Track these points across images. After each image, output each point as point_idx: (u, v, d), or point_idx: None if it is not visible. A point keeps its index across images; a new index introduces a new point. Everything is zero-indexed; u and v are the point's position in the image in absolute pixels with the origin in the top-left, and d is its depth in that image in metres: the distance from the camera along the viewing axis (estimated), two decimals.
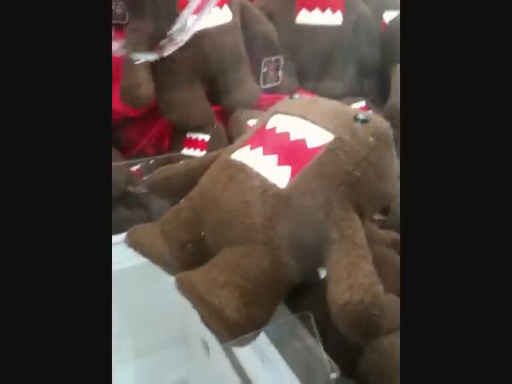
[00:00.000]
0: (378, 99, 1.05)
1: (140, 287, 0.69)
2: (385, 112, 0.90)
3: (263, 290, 0.39)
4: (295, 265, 0.41)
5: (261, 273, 0.39)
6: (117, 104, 0.79)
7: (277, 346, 0.46)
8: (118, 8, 0.93)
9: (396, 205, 0.50)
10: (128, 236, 0.48)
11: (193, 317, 0.72)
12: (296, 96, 0.56)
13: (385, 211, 0.55)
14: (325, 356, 0.39)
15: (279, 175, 0.43)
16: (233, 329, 0.36)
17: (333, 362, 0.38)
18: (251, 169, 0.44)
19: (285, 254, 0.40)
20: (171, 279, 0.62)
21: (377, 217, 0.56)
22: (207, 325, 0.39)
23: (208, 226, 0.45)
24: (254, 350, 0.50)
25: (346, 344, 0.41)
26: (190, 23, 0.70)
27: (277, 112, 0.52)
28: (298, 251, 0.41)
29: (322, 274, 0.49)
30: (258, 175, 0.43)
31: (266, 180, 0.43)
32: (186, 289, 0.39)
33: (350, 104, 0.98)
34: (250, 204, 0.42)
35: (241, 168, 0.45)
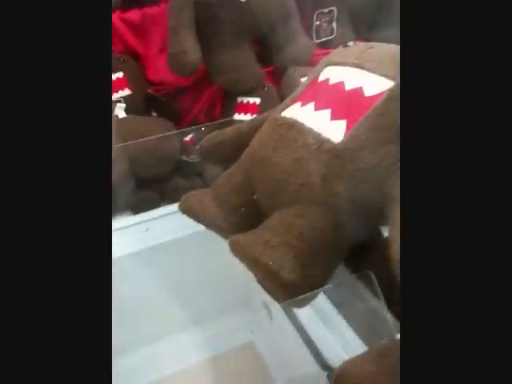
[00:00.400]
0: None
1: (201, 253, 0.71)
2: None
3: (319, 250, 0.37)
4: (354, 224, 0.38)
5: (316, 233, 0.37)
6: (167, 75, 0.80)
7: (338, 308, 0.45)
8: None
9: None
10: (181, 203, 0.49)
11: (254, 280, 0.74)
12: (350, 43, 0.52)
13: None
14: (389, 316, 0.37)
15: (334, 129, 0.40)
16: (288, 289, 0.35)
17: (397, 323, 0.36)
18: (303, 125, 0.42)
19: (342, 213, 0.37)
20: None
21: None
22: (263, 286, 0.38)
23: (260, 189, 0.44)
24: (316, 311, 0.49)
25: None
26: None
27: (329, 63, 0.48)
28: (357, 210, 0.38)
29: (385, 232, 0.46)
30: (310, 131, 0.41)
31: (319, 135, 0.40)
32: (239, 251, 0.38)
33: None
34: (302, 162, 0.39)
35: (291, 125, 0.43)
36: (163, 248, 0.68)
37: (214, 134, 0.53)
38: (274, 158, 0.42)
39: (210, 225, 0.46)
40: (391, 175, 0.37)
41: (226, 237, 0.46)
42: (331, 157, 0.38)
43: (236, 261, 0.75)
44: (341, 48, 0.53)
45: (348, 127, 0.40)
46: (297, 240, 0.36)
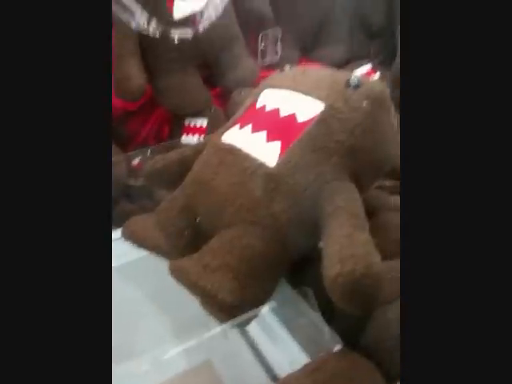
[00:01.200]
0: (387, 60, 1.01)
1: (153, 276, 0.71)
2: (392, 72, 0.87)
3: (259, 269, 0.39)
4: (291, 243, 0.40)
5: (256, 253, 0.39)
6: (114, 99, 0.80)
7: (284, 323, 0.47)
8: None
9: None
10: (124, 229, 0.49)
11: None
12: (287, 68, 0.55)
13: (395, 176, 0.54)
14: (327, 329, 0.39)
15: (268, 152, 0.42)
16: (228, 311, 0.37)
17: (335, 334, 0.38)
18: (240, 150, 0.44)
19: (278, 233, 0.39)
20: None
21: (388, 183, 0.55)
22: (205, 308, 0.39)
23: (202, 212, 0.45)
24: (264, 328, 0.51)
25: (348, 316, 0.41)
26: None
27: (266, 86, 0.51)
28: (293, 229, 0.40)
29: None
30: (246, 156, 0.43)
31: (255, 160, 0.42)
32: (178, 276, 0.39)
33: (355, 68, 0.95)
34: (240, 186, 0.41)
35: (230, 150, 0.45)
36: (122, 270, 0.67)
37: (157, 158, 0.54)
38: (213, 182, 0.43)
39: (153, 249, 0.46)
40: (324, 193, 0.40)
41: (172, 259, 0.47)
42: (266, 180, 0.40)
43: None
44: (278, 71, 0.56)
45: (282, 150, 0.42)
46: (236, 261, 0.38)
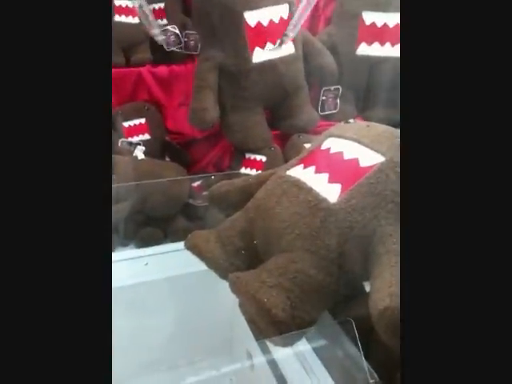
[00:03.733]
0: None
1: (192, 294, 0.74)
2: None
3: (309, 294, 0.41)
4: (341, 275, 0.43)
5: (307, 279, 0.42)
6: (184, 126, 0.88)
7: (318, 354, 0.48)
8: (190, 40, 1.03)
9: None
10: (188, 240, 0.53)
11: (239, 329, 0.75)
12: (351, 121, 0.59)
13: None
14: (365, 364, 0.40)
15: (330, 191, 0.46)
16: (278, 326, 0.39)
17: (373, 371, 0.40)
18: (304, 183, 0.48)
19: (331, 265, 0.42)
20: (221, 290, 0.66)
21: None
22: (253, 323, 0.42)
23: (261, 235, 0.49)
24: (299, 361, 0.52)
25: (387, 357, 0.42)
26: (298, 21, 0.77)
27: (332, 135, 0.55)
28: (345, 262, 0.43)
29: (367, 287, 0.51)
30: (310, 190, 0.47)
31: (317, 194, 0.46)
32: (237, 286, 0.42)
33: None
34: (300, 215, 0.45)
35: (294, 183, 0.49)
36: (158, 285, 0.71)
37: (223, 182, 0.59)
38: (276, 209, 0.47)
39: (211, 263, 0.50)
40: (377, 235, 0.43)
41: (223, 276, 0.51)
42: (326, 214, 0.44)
43: (224, 305, 0.77)
44: (342, 123, 0.60)
45: (343, 190, 0.46)
46: (290, 283, 0.41)
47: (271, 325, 0.39)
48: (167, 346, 0.76)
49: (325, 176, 0.48)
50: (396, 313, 0.34)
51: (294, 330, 0.40)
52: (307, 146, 0.88)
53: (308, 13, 0.77)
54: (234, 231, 0.51)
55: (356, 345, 0.42)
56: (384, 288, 0.36)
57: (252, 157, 0.88)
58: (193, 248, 0.52)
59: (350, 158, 0.48)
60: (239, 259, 0.49)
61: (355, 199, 0.44)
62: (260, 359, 0.67)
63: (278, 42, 0.54)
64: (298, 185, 0.48)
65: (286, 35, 0.55)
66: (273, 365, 0.60)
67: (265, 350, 0.66)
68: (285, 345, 0.44)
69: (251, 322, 0.43)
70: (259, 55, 0.82)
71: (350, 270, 0.43)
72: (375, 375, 0.39)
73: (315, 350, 0.47)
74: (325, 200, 0.45)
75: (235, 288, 0.42)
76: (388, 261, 0.40)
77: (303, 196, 0.46)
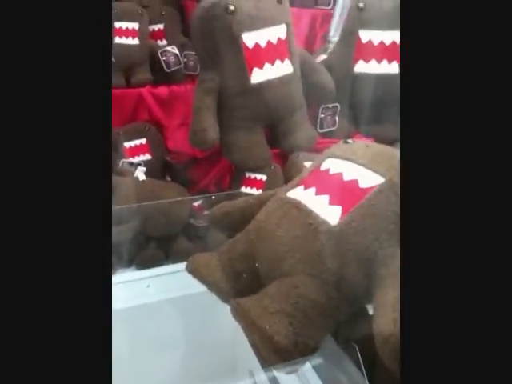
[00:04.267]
0: None
1: (194, 315, 0.74)
2: None
3: (312, 319, 0.41)
4: (343, 298, 0.43)
5: (310, 303, 0.41)
6: (184, 146, 0.89)
7: (322, 378, 0.47)
8: (189, 60, 1.05)
9: None
10: (189, 264, 0.53)
11: (242, 349, 0.75)
12: (349, 141, 0.60)
13: None
14: None
15: (330, 213, 0.46)
16: (280, 354, 0.39)
17: None
18: (305, 206, 0.48)
19: (333, 288, 0.42)
20: (223, 311, 0.66)
21: None
22: (256, 349, 0.42)
23: (262, 258, 0.49)
24: (300, 381, 0.51)
25: (392, 381, 0.42)
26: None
27: (331, 155, 0.55)
28: (347, 285, 0.43)
29: (371, 310, 0.51)
30: (310, 212, 0.46)
31: (317, 217, 0.46)
32: (239, 313, 0.42)
33: None
34: (302, 239, 0.45)
35: (295, 205, 0.49)
36: (160, 306, 0.71)
37: (224, 203, 0.59)
38: (277, 232, 0.47)
39: (213, 286, 0.50)
40: (379, 257, 0.43)
41: (224, 300, 0.51)
42: (326, 237, 0.44)
43: (226, 326, 0.76)
44: (341, 143, 0.60)
45: (343, 212, 0.46)
46: (292, 308, 0.41)
47: (273, 352, 0.39)
48: (169, 367, 0.75)
49: (325, 198, 0.48)
50: (399, 339, 0.34)
51: (297, 357, 0.40)
52: (307, 164, 0.89)
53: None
54: (234, 254, 0.51)
55: (360, 369, 0.41)
56: (388, 313, 0.36)
57: (252, 176, 0.88)
58: (194, 272, 0.52)
59: (349, 179, 0.48)
60: (240, 283, 0.49)
61: (356, 221, 0.44)
62: (262, 378, 0.67)
63: (323, 48, 0.54)
64: (298, 207, 0.48)
65: (329, 41, 0.55)
66: None
67: (267, 370, 0.65)
68: (288, 372, 0.43)
69: (254, 347, 0.43)
70: (258, 76, 0.82)
71: (351, 293, 0.43)
72: None
73: (318, 373, 0.47)
74: (325, 222, 0.45)
75: (236, 314, 0.42)
76: (391, 284, 0.39)
77: (303, 219, 0.46)
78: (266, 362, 0.41)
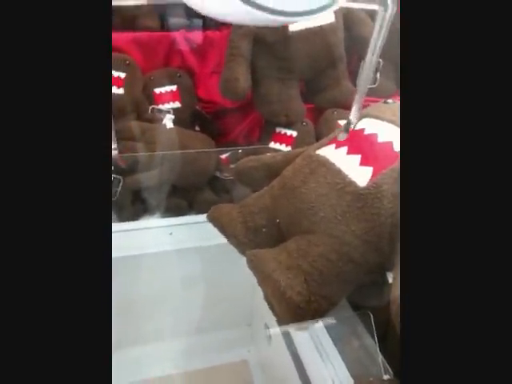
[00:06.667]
0: None
1: (216, 265, 0.74)
2: None
3: (328, 280, 0.40)
4: (364, 263, 0.41)
5: (328, 264, 0.40)
6: (216, 95, 0.86)
7: (335, 342, 0.47)
8: None
9: None
10: (210, 212, 0.53)
11: (258, 302, 0.76)
12: (389, 101, 0.56)
13: None
14: (380, 357, 0.39)
15: (360, 174, 0.44)
16: (293, 311, 0.38)
17: (387, 364, 0.38)
18: (333, 164, 0.45)
19: (354, 251, 0.41)
20: (242, 264, 0.66)
21: None
22: (269, 303, 0.41)
23: (284, 214, 0.47)
24: (313, 341, 0.51)
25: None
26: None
27: (367, 115, 0.52)
28: (368, 250, 0.41)
29: (390, 278, 0.49)
30: (339, 171, 0.44)
31: (346, 177, 0.43)
32: (254, 264, 0.41)
33: None
34: (327, 198, 0.43)
35: (323, 163, 0.46)
36: (182, 254, 0.72)
37: (250, 157, 0.58)
38: (302, 188, 0.46)
39: (231, 237, 0.49)
40: None
41: (242, 252, 0.50)
42: (353, 198, 0.42)
43: (244, 279, 0.77)
44: (380, 103, 0.57)
45: (374, 174, 0.43)
46: (309, 266, 0.40)
47: (286, 307, 0.38)
48: (185, 315, 0.78)
49: (357, 158, 0.46)
50: None
51: (309, 315, 0.39)
52: (341, 122, 0.85)
53: None
54: (256, 208, 0.50)
55: (373, 337, 0.40)
56: None
57: (283, 131, 0.85)
58: (214, 220, 0.51)
59: (384, 140, 0.46)
60: (259, 237, 0.48)
61: (386, 185, 0.42)
62: (276, 332, 0.68)
63: (343, 134, 0.51)
64: (326, 165, 0.46)
65: (349, 123, 0.52)
66: (289, 343, 0.61)
67: (281, 324, 0.66)
68: (298, 329, 0.43)
69: (268, 303, 0.42)
70: (297, 23, 0.77)
71: (372, 259, 0.41)
72: (390, 371, 0.38)
73: (333, 338, 0.47)
74: (353, 183, 0.43)
75: (252, 266, 0.42)
76: None
77: (331, 177, 0.44)
78: (278, 317, 0.41)
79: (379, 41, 0.47)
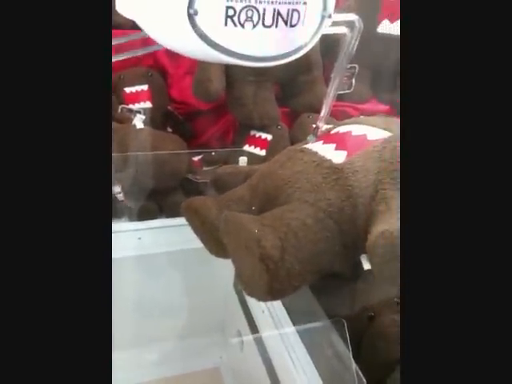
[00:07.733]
0: None
1: (186, 271, 0.72)
2: None
3: (302, 244, 0.38)
4: (338, 232, 0.41)
5: (303, 227, 0.39)
6: (189, 96, 0.84)
7: (308, 349, 0.46)
8: None
9: None
10: (185, 203, 0.49)
11: (232, 308, 0.74)
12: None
13: None
14: (354, 366, 0.38)
15: (336, 155, 0.45)
16: (265, 262, 0.36)
17: (361, 374, 0.37)
18: (310, 149, 0.47)
19: (328, 218, 0.40)
20: (215, 268, 0.64)
21: None
22: (240, 258, 0.39)
23: (261, 196, 0.46)
24: (286, 350, 0.50)
25: (376, 360, 0.40)
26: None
27: (341, 124, 0.54)
28: (344, 219, 0.41)
29: (366, 265, 0.49)
30: (315, 153, 0.46)
31: (322, 156, 0.45)
32: (230, 218, 0.39)
33: None
34: (302, 173, 0.44)
35: (301, 150, 0.47)
36: (151, 259, 0.69)
37: (229, 166, 0.57)
38: (279, 171, 0.46)
39: (205, 222, 0.47)
40: (379, 197, 0.41)
41: (214, 252, 0.49)
42: (329, 172, 0.42)
43: (217, 285, 0.75)
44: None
45: (348, 156, 0.44)
46: (284, 227, 0.38)
47: (259, 260, 0.36)
48: (157, 322, 0.75)
49: (332, 145, 0.47)
50: (395, 235, 0.33)
51: (282, 275, 0.36)
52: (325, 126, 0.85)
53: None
54: (232, 197, 0.49)
55: (346, 345, 0.39)
56: (380, 228, 0.35)
57: (257, 134, 0.84)
58: (189, 210, 0.49)
59: (358, 134, 0.48)
60: None
61: (360, 162, 0.43)
62: (249, 338, 0.67)
63: (311, 136, 0.52)
64: (303, 151, 0.47)
65: (317, 127, 0.52)
66: (262, 349, 0.59)
67: (254, 331, 0.65)
68: (273, 298, 0.40)
69: (241, 260, 0.40)
70: None
71: (348, 230, 0.41)
72: (363, 379, 0.37)
73: (306, 346, 0.45)
74: (329, 161, 0.44)
75: (227, 219, 0.39)
76: (390, 217, 0.37)
77: (308, 158, 0.45)
78: (249, 270, 0.38)
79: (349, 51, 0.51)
